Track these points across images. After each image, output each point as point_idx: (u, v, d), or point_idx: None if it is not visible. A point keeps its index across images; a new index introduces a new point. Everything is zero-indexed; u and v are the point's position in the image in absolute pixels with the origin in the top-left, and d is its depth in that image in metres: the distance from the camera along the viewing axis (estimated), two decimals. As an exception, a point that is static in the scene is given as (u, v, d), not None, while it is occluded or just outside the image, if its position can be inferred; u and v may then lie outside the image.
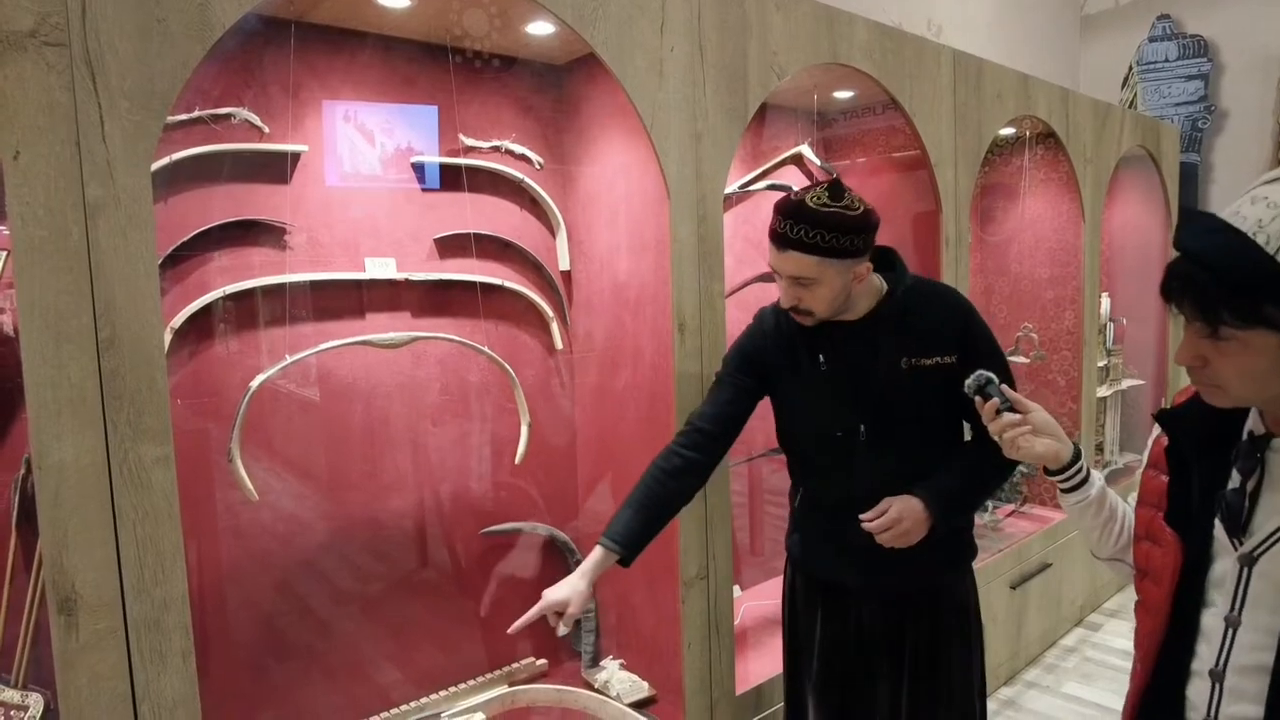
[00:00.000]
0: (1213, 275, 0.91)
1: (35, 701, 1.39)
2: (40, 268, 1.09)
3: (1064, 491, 1.24)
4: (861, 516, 1.52)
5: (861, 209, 1.45)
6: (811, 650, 1.69)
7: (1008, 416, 1.22)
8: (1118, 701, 2.85)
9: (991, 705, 2.69)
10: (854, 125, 3.03)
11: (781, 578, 1.81)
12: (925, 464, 1.56)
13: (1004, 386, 1.26)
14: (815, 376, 1.59)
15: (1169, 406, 1.08)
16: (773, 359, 1.64)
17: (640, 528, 1.53)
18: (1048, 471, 1.25)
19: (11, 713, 1.40)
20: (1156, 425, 1.11)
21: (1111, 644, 3.30)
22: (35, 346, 1.09)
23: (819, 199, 1.44)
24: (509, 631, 1.49)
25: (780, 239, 1.46)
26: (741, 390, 1.65)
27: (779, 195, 2.69)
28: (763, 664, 2.21)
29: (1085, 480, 1.22)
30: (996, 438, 1.24)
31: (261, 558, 1.77)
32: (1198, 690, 1.02)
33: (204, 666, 1.69)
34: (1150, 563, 1.09)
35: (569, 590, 1.47)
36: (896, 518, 1.49)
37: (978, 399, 1.27)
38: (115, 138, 1.13)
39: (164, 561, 1.19)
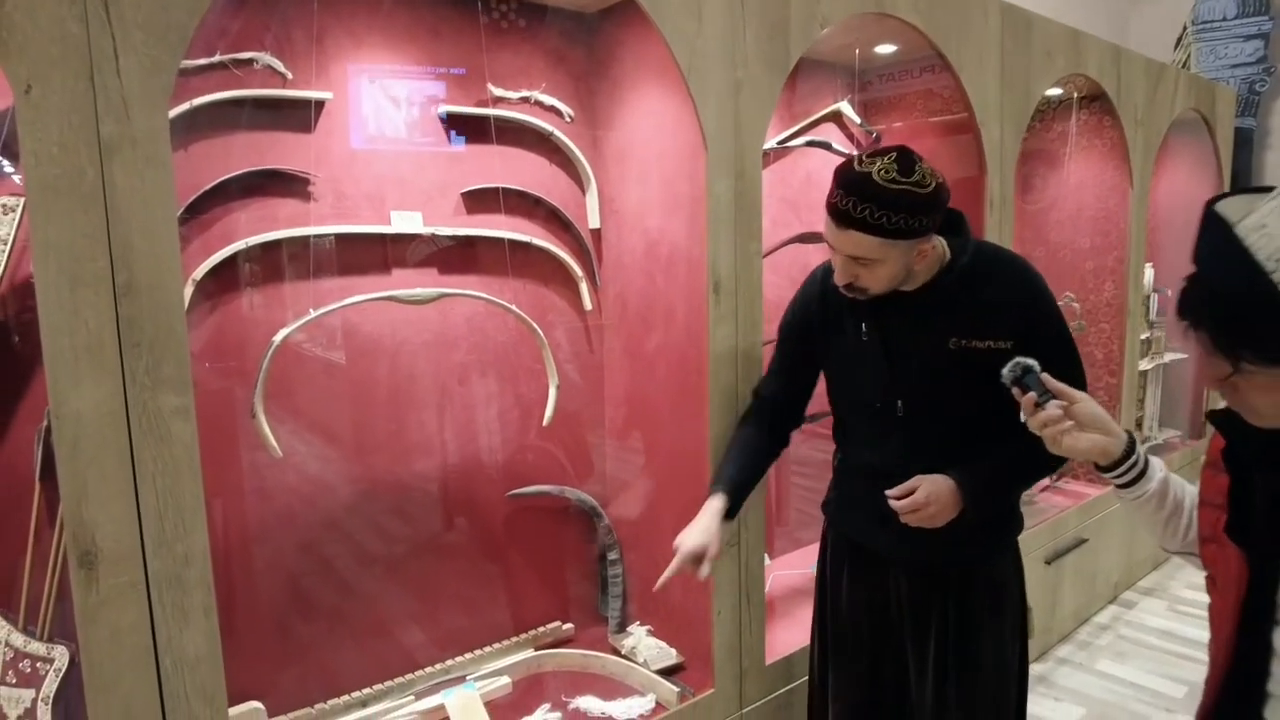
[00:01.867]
0: (1228, 311, 0.83)
1: (60, 654, 1.37)
2: (54, 208, 1.04)
3: (1120, 488, 1.14)
4: (888, 492, 1.46)
5: (934, 185, 1.31)
6: (839, 612, 1.65)
7: (1048, 410, 1.13)
8: (1152, 680, 2.80)
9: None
10: (892, 86, 2.91)
11: (817, 547, 1.76)
12: (967, 447, 1.46)
13: (1045, 376, 1.16)
14: (856, 345, 1.52)
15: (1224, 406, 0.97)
16: (818, 324, 1.58)
17: (745, 479, 1.61)
18: (1099, 468, 1.15)
19: (38, 665, 1.39)
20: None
21: (1146, 622, 3.23)
22: (50, 291, 1.05)
23: (887, 173, 1.28)
24: (655, 589, 1.47)
25: (841, 216, 1.32)
26: (798, 359, 1.64)
27: (817, 153, 2.64)
28: (792, 634, 2.17)
29: (1143, 474, 1.12)
30: (1037, 431, 1.15)
31: (285, 516, 1.74)
32: (1276, 714, 0.93)
33: (228, 624, 1.67)
34: (1216, 567, 1.00)
35: (703, 534, 1.48)
36: (924, 501, 1.42)
37: (1015, 390, 1.18)
38: (131, 72, 1.08)
39: (184, 515, 1.16)
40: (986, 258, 1.46)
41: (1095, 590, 3.28)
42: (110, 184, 1.08)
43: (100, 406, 1.09)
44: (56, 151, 1.04)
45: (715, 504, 1.54)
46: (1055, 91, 3.38)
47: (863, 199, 1.29)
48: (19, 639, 1.40)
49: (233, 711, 1.60)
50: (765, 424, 1.69)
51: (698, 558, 1.46)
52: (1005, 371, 1.20)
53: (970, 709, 1.53)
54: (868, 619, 1.62)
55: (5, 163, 1.38)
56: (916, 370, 1.46)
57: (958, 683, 1.53)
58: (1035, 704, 2.65)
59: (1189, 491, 1.16)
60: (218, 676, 1.22)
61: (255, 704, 1.64)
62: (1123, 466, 1.12)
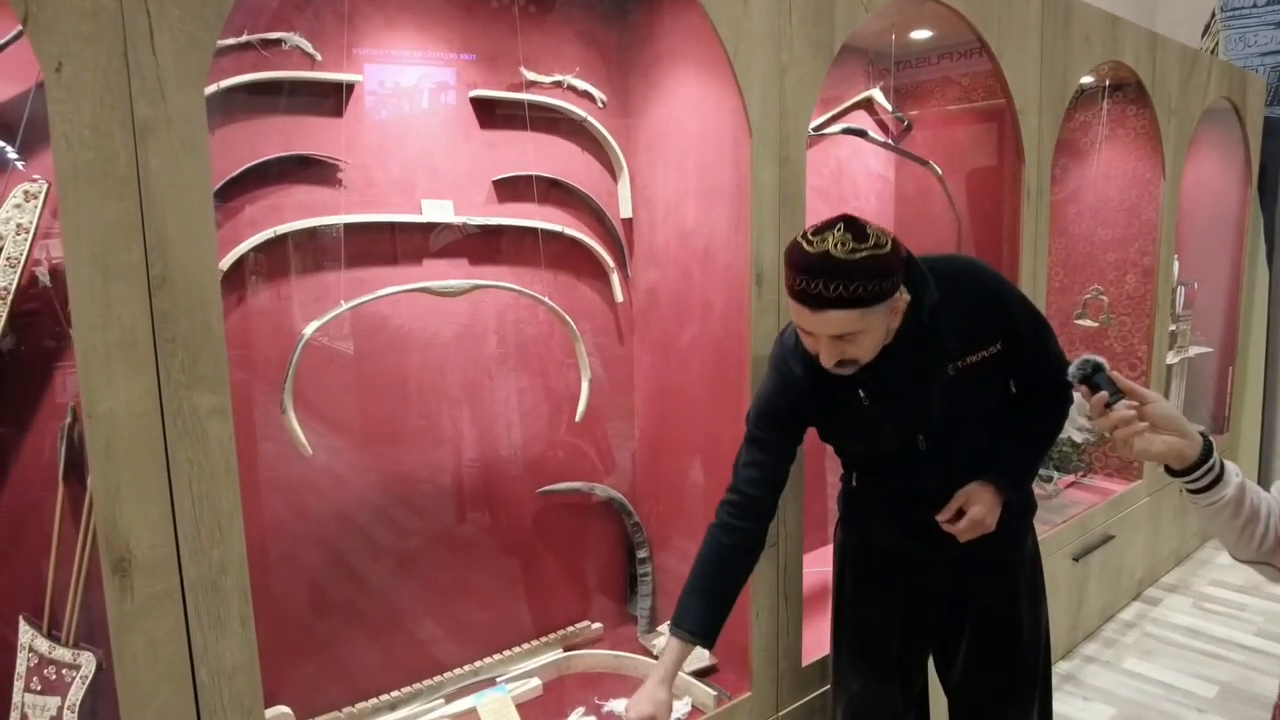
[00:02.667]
0: None
1: (87, 661, 1.32)
2: (86, 194, 0.98)
3: (1192, 493, 1.08)
4: (940, 517, 1.48)
5: (889, 243, 1.25)
6: (859, 616, 1.65)
7: (1119, 411, 1.07)
8: (1182, 680, 2.76)
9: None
10: (924, 73, 2.84)
11: (835, 539, 1.73)
12: (988, 447, 1.49)
13: (1115, 374, 1.10)
14: (859, 412, 1.44)
15: None
16: (809, 406, 1.47)
17: (714, 614, 1.45)
18: (1171, 471, 1.09)
19: (64, 671, 1.34)
20: None
21: (1172, 619, 3.18)
22: (83, 282, 0.99)
23: (843, 245, 1.21)
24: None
25: (814, 300, 1.24)
26: (782, 450, 1.50)
27: (848, 141, 2.57)
28: (824, 633, 2.11)
29: (1218, 479, 1.06)
30: (1106, 434, 1.08)
31: (313, 515, 1.69)
32: None
33: (257, 627, 1.62)
34: None
35: (650, 705, 1.37)
36: (979, 519, 1.44)
37: (1082, 388, 1.11)
38: (166, 50, 1.01)
39: (221, 520, 1.10)
40: (944, 277, 1.39)
41: (1120, 586, 3.24)
42: (145, 169, 1.01)
43: (134, 406, 1.03)
44: (88, 134, 0.97)
45: (672, 656, 1.42)
46: (1086, 79, 3.31)
47: (830, 278, 1.21)
48: (44, 644, 1.35)
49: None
50: (751, 530, 1.49)
51: None
52: (1073, 369, 1.14)
53: (1011, 684, 1.58)
54: (897, 622, 1.61)
55: (8, 148, 1.31)
56: (928, 409, 1.44)
57: (1001, 663, 1.58)
58: (1064, 703, 2.61)
59: (1265, 498, 1.10)
60: (255, 687, 1.16)
61: (284, 709, 1.59)
62: (1198, 471, 1.07)
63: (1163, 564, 3.56)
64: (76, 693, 1.32)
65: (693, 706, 1.82)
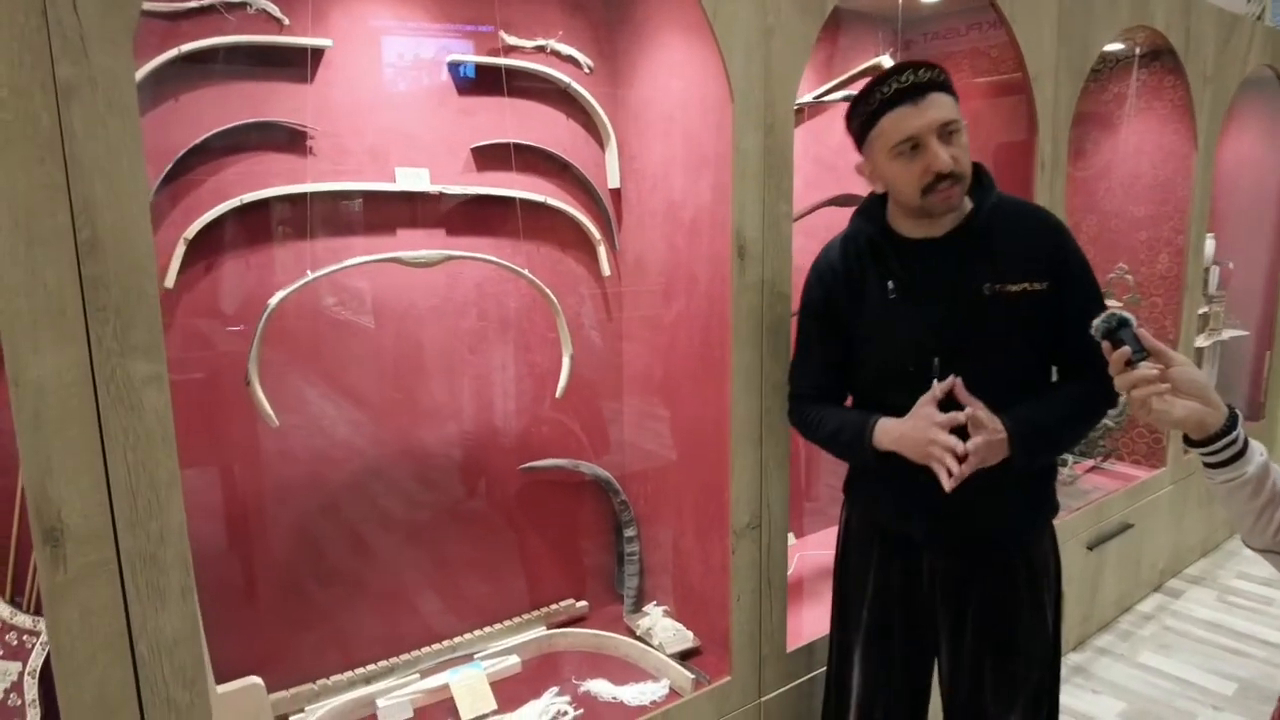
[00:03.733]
0: None
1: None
2: (6, 157, 0.95)
3: (1210, 467, 1.02)
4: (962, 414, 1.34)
5: None
6: (862, 600, 1.56)
7: (1141, 370, 1.00)
8: (1199, 675, 2.65)
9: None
10: (938, 44, 2.72)
11: (840, 523, 1.65)
12: (1008, 401, 1.36)
13: (1142, 332, 1.04)
14: (884, 305, 1.41)
15: None
16: (841, 299, 1.47)
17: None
18: (1189, 441, 1.03)
19: (25, 637, 1.34)
20: None
21: (1193, 613, 3.07)
22: (4, 248, 0.96)
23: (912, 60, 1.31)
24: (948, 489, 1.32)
25: (914, 89, 1.28)
26: (829, 342, 1.52)
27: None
28: (818, 617, 2.06)
29: (1240, 454, 1.00)
30: (1123, 393, 1.02)
31: (287, 487, 1.68)
32: None
33: (227, 598, 1.62)
34: None
35: (925, 419, 1.34)
36: (977, 444, 1.31)
37: (1105, 344, 1.05)
38: (89, 8, 0.98)
39: (158, 491, 1.08)
40: (1011, 204, 1.42)
41: (1139, 577, 3.13)
42: (69, 131, 0.98)
43: (64, 375, 1.01)
44: (6, 94, 0.94)
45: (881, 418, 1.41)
46: (1115, 47, 3.14)
47: (919, 66, 1.28)
48: (5, 610, 1.36)
49: (231, 686, 1.55)
50: (820, 404, 1.55)
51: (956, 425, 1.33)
52: (1097, 323, 1.10)
53: (1008, 694, 1.47)
54: (899, 607, 1.53)
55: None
56: (950, 322, 1.37)
57: (994, 668, 1.46)
58: (1072, 696, 2.53)
59: None
60: (198, 659, 1.15)
61: (255, 679, 1.58)
62: (1219, 443, 1.01)
63: (1187, 555, 3.43)
64: (37, 659, 1.32)
65: (670, 690, 1.78)
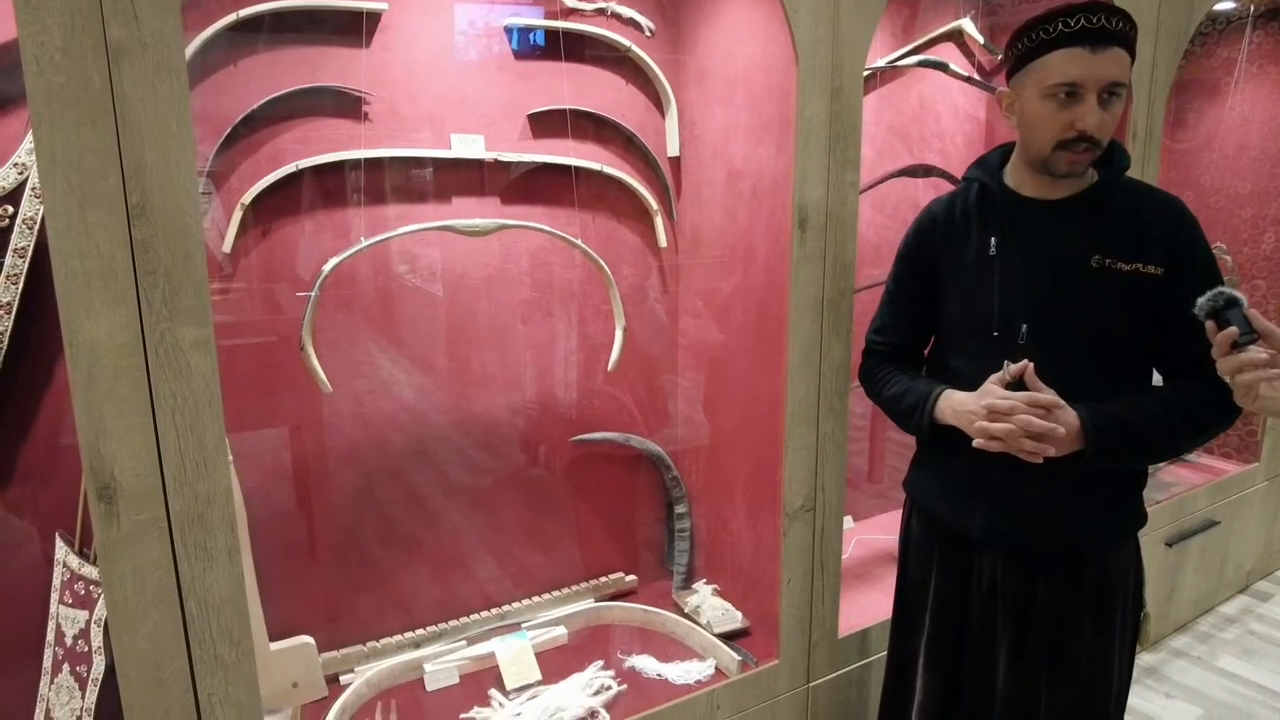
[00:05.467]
0: None
1: (111, 579, 1.37)
2: (60, 120, 0.96)
3: None
4: (999, 376, 1.26)
5: None
6: (925, 603, 1.47)
7: (1250, 353, 0.91)
8: (1284, 684, 2.50)
9: (1131, 671, 2.41)
10: (1026, 9, 2.55)
11: (900, 514, 1.58)
12: (1093, 391, 1.25)
13: (1253, 313, 0.95)
14: (982, 262, 1.32)
15: None
16: (937, 250, 1.39)
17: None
18: None
19: (91, 588, 1.40)
20: None
21: (1282, 617, 2.89)
22: (59, 210, 0.98)
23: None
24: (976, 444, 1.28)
25: (1098, 35, 1.17)
26: (915, 300, 1.46)
27: (931, 76, 2.35)
28: (872, 602, 2.01)
29: None
30: (1227, 379, 0.93)
31: (342, 453, 1.70)
32: None
33: (283, 559, 1.66)
34: None
35: (997, 385, 1.27)
36: (1061, 404, 1.21)
37: (1209, 324, 0.96)
38: (138, -33, 0.97)
39: (206, 454, 1.10)
40: (1137, 184, 1.32)
41: (1223, 578, 2.95)
42: (120, 94, 0.99)
43: (115, 337, 1.02)
44: (59, 57, 0.95)
45: (948, 391, 1.35)
46: (1226, 6, 2.90)
47: (1113, 13, 1.17)
48: (75, 561, 1.41)
49: (283, 644, 1.59)
50: (894, 362, 1.49)
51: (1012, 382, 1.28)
52: (1203, 301, 1.03)
53: (1063, 715, 1.35)
54: (961, 615, 1.43)
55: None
56: (1049, 289, 1.26)
57: (1050, 686, 1.35)
58: (1143, 699, 2.41)
59: None
60: (244, 619, 1.17)
61: (306, 638, 1.62)
62: None
63: (1279, 557, 3.23)
64: (103, 609, 1.37)
65: (716, 670, 1.76)
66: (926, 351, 1.51)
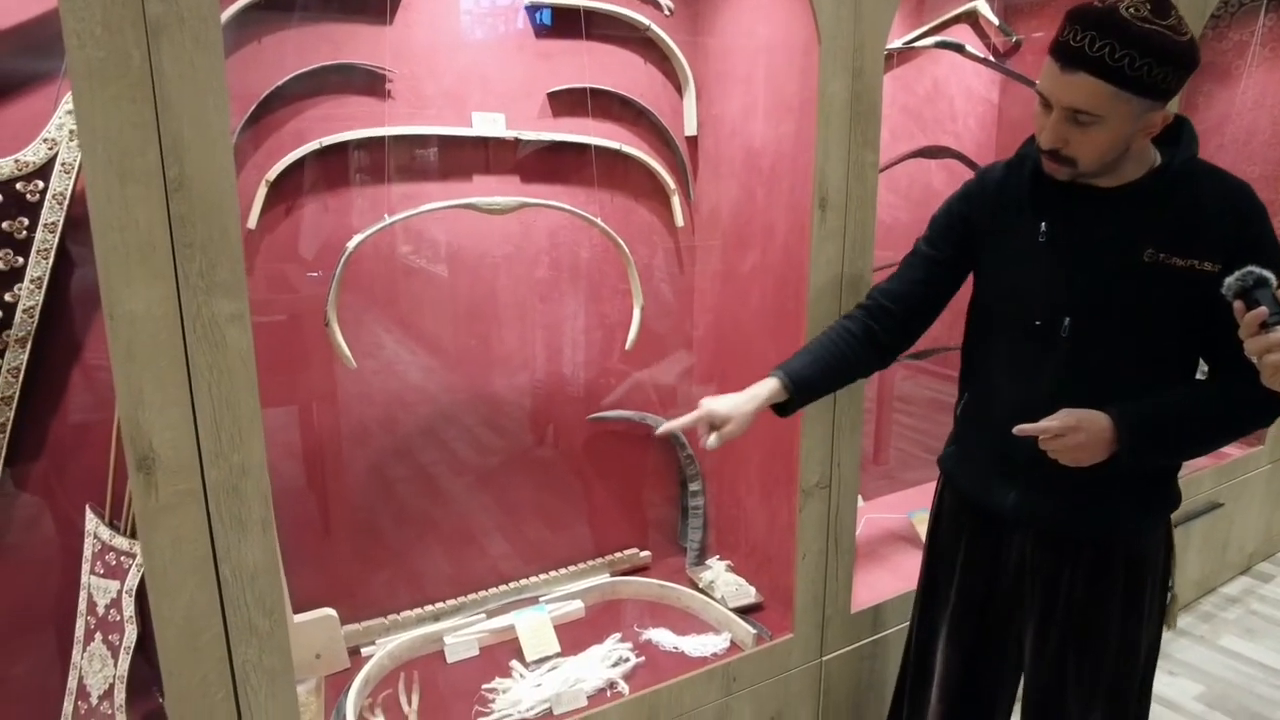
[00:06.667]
0: None
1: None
2: (100, 95, 0.97)
3: None
4: (1018, 428, 1.23)
5: (1189, 37, 1.09)
6: (951, 579, 1.48)
7: (1279, 333, 0.92)
8: (1284, 662, 2.53)
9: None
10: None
11: (916, 492, 1.60)
12: (1135, 388, 1.23)
13: None
14: (1029, 247, 1.28)
15: None
16: (984, 221, 1.35)
17: (815, 376, 1.39)
18: None
19: (122, 558, 1.42)
20: None
21: (1284, 597, 2.93)
22: (100, 184, 0.99)
23: (1137, 10, 1.07)
24: (658, 433, 1.40)
25: (1071, 55, 1.10)
26: (935, 265, 1.40)
27: (946, 58, 2.35)
28: (882, 581, 2.04)
29: None
30: (1254, 359, 0.94)
31: (363, 427, 1.72)
32: None
33: (305, 532, 1.68)
34: None
35: (731, 407, 1.32)
36: (1074, 425, 1.19)
37: (1238, 304, 0.97)
38: (176, -58, 0.98)
39: (241, 426, 1.12)
40: (1202, 167, 1.23)
41: (1225, 559, 2.99)
42: (158, 70, 0.99)
43: (154, 310, 1.04)
44: (100, 31, 0.96)
45: (762, 388, 1.36)
46: (1241, -12, 2.89)
47: (1102, 34, 1.07)
48: (106, 532, 1.43)
49: (306, 617, 1.62)
50: (865, 327, 1.42)
51: (712, 424, 1.32)
52: (1231, 280, 1.01)
53: (1089, 695, 1.36)
54: (987, 590, 1.44)
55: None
56: (1097, 281, 1.22)
57: (1077, 666, 1.36)
58: (1146, 674, 2.45)
59: None
60: (277, 589, 1.19)
61: (329, 611, 1.65)
62: None
63: (1281, 537, 3.26)
64: (133, 579, 1.39)
65: (731, 643, 1.79)
66: (933, 334, 1.50)
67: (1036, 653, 1.40)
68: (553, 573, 1.98)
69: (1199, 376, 1.31)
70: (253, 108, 1.47)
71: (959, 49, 2.22)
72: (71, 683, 1.45)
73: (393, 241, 1.68)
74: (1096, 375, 1.24)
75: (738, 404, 1.33)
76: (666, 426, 1.38)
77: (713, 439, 1.31)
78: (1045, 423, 1.21)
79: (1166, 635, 2.64)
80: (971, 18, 2.41)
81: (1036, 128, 1.21)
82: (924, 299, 1.43)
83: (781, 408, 1.39)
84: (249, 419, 1.12)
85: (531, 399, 1.92)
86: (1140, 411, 1.20)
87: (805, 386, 1.37)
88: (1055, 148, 1.17)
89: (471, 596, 1.87)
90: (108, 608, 1.42)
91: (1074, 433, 1.20)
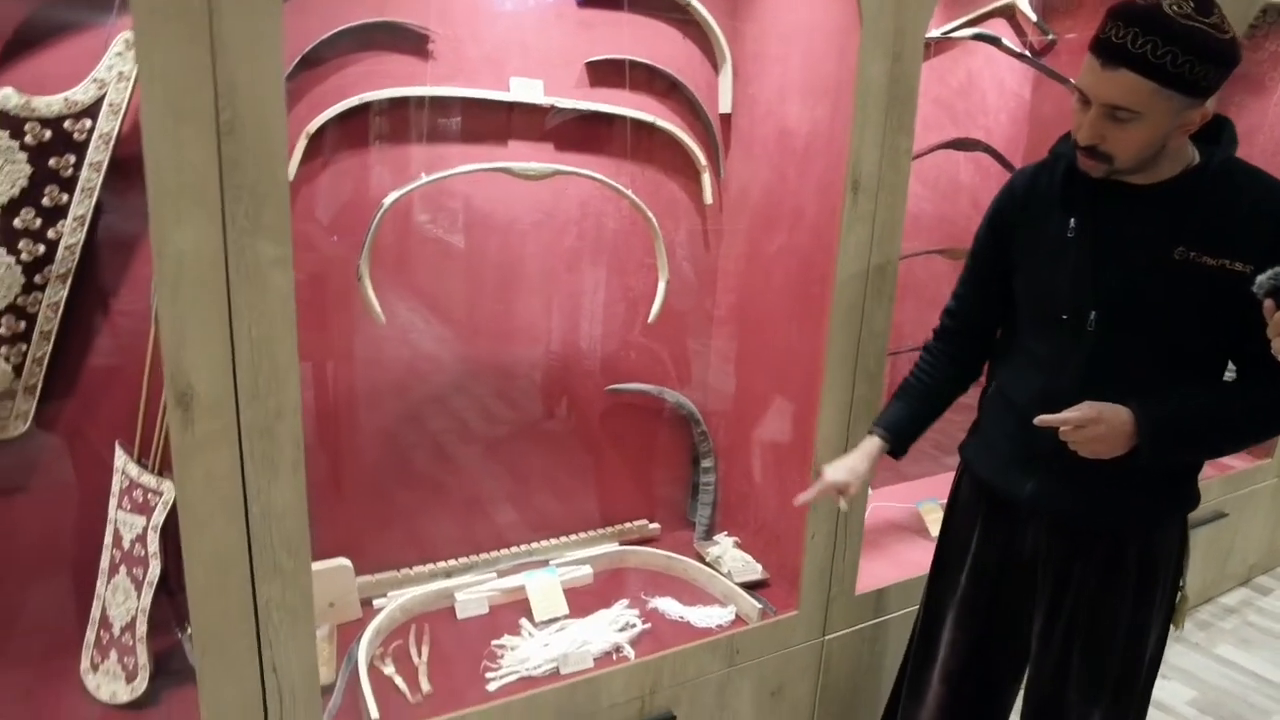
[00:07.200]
0: None
1: (168, 488, 1.42)
2: (160, 35, 0.99)
3: None
4: (1039, 419, 1.24)
5: (1230, 35, 1.09)
6: (963, 564, 1.50)
7: None
8: (1278, 674, 2.55)
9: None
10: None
11: (924, 483, 1.62)
12: (1159, 384, 1.23)
13: None
14: (1059, 242, 1.29)
15: None
16: (1016, 219, 1.38)
17: (905, 419, 1.53)
18: None
19: (149, 495, 1.45)
20: None
21: (1282, 611, 2.94)
22: (155, 122, 1.01)
23: (1180, 7, 1.08)
24: (796, 503, 1.52)
25: (1112, 51, 1.10)
26: (989, 275, 1.45)
27: (981, 51, 2.34)
28: (883, 568, 2.06)
29: None
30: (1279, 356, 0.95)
31: (387, 384, 1.74)
32: None
33: (326, 482, 1.71)
34: None
35: (848, 472, 1.48)
36: (1094, 417, 1.20)
37: (1268, 303, 0.98)
38: (241, -114, 0.99)
39: (278, 369, 1.14)
40: (1240, 168, 1.23)
41: (1226, 569, 3.00)
42: (216, 12, 1.01)
43: (200, 249, 1.06)
44: (163, -29, 0.97)
45: (868, 445, 1.52)
46: (1282, -2, 2.87)
47: (1145, 31, 1.08)
48: (134, 469, 1.46)
49: (321, 565, 1.65)
50: (952, 352, 1.54)
51: (840, 490, 1.47)
52: (1263, 279, 1.02)
53: (1094, 690, 1.38)
54: (998, 578, 1.46)
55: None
56: (1126, 278, 1.23)
57: (1082, 661, 1.38)
58: (1141, 676, 2.48)
59: None
60: (303, 531, 1.22)
61: (344, 560, 1.69)
62: None
63: (1284, 551, 3.27)
64: (159, 516, 1.43)
65: (736, 616, 1.82)
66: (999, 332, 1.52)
67: (1043, 642, 1.42)
68: (563, 537, 2.01)
69: (1227, 377, 1.31)
70: (298, 59, 1.49)
71: (996, 42, 2.21)
72: (95, 613, 1.49)
73: (421, 203, 1.69)
74: (1121, 370, 1.25)
75: (854, 468, 1.48)
76: (802, 499, 1.51)
77: (843, 504, 1.48)
78: (1067, 414, 1.23)
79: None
80: (1009, 12, 2.40)
81: (1074, 124, 1.22)
82: (984, 312, 1.50)
83: (893, 453, 1.54)
84: (286, 363, 1.15)
85: (552, 366, 1.94)
86: (1162, 407, 1.21)
87: (901, 433, 1.53)
88: (1093, 144, 1.18)
89: (483, 556, 1.90)
90: (133, 542, 1.45)
91: (1094, 424, 1.21)
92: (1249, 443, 1.29)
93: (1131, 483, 1.29)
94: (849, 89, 1.55)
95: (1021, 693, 1.52)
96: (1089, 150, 1.19)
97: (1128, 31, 1.09)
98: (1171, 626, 1.43)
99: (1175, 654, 2.63)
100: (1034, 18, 2.41)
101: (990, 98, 2.48)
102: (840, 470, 1.48)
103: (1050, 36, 2.49)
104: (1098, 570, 1.35)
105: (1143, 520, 1.33)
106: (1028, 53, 2.44)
